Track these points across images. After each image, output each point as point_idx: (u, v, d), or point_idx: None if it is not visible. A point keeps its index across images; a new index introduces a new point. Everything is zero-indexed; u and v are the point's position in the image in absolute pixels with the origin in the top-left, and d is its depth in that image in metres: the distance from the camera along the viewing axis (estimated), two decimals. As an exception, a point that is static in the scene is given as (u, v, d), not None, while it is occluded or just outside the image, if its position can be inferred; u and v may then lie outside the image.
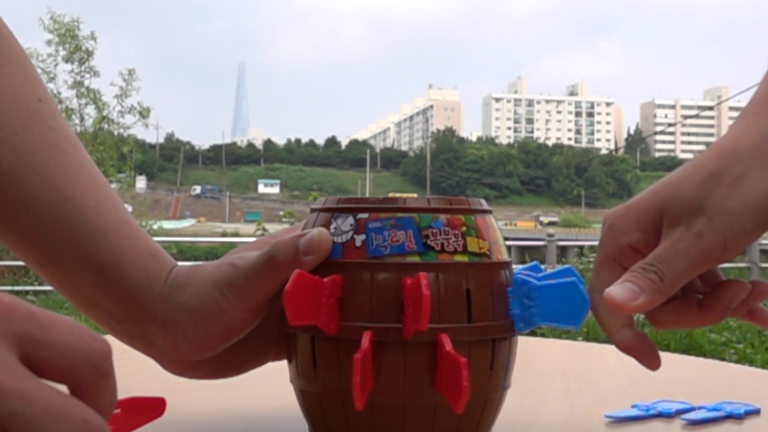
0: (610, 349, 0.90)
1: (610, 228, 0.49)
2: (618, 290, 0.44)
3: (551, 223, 73.73)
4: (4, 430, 0.26)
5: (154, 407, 0.44)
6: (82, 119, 11.75)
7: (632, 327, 0.49)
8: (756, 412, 0.59)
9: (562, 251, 10.66)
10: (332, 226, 0.48)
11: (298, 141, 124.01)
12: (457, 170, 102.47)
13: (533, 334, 0.83)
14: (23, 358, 0.28)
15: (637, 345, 0.48)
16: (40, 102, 0.53)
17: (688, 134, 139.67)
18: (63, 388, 0.29)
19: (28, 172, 0.50)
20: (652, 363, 0.49)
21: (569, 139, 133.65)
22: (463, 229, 0.47)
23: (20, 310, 0.28)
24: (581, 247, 7.36)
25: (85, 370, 0.29)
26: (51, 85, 11.43)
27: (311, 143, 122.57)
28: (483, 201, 0.50)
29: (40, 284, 7.40)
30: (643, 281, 0.44)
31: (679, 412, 0.58)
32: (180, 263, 0.53)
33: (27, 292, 7.31)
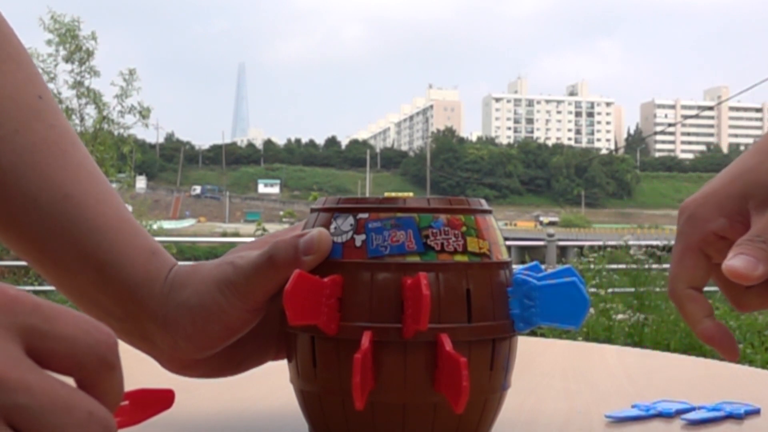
0: (610, 349, 0.91)
1: (691, 217, 0.50)
2: (738, 262, 0.45)
3: (551, 223, 73.73)
4: (9, 423, 0.26)
5: (162, 399, 0.43)
6: (82, 119, 11.75)
7: (714, 317, 0.49)
8: (756, 412, 0.59)
9: (562, 251, 10.65)
10: (332, 226, 0.48)
11: (298, 141, 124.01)
12: (457, 170, 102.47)
13: (533, 334, 0.83)
14: (29, 350, 0.28)
15: (718, 335, 0.49)
16: (41, 99, 0.53)
17: (688, 134, 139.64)
18: (69, 381, 0.29)
19: (28, 169, 0.50)
20: (732, 353, 0.49)
21: (569, 139, 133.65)
22: (463, 229, 0.47)
23: (26, 302, 0.28)
24: (581, 247, 7.35)
25: (91, 362, 0.29)
26: (51, 85, 11.42)
27: (311, 143, 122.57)
28: (483, 201, 0.50)
29: (40, 284, 7.39)
30: (757, 252, 0.45)
31: (679, 412, 0.57)
32: (180, 263, 0.53)
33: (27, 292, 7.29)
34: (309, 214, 0.51)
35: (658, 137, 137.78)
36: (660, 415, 0.57)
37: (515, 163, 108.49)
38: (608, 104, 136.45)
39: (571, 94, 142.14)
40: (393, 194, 0.49)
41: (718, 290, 0.51)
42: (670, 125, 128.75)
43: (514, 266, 0.51)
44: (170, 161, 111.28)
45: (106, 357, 0.29)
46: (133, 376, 0.66)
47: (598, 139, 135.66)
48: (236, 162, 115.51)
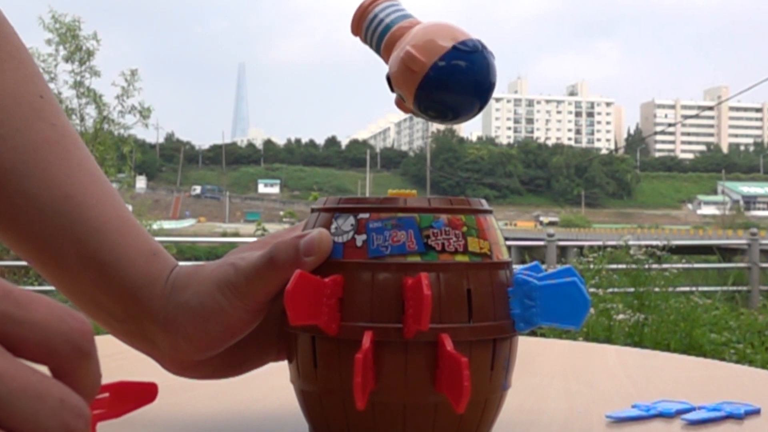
0: (611, 349, 0.91)
1: None
2: None
3: (551, 223, 73.70)
4: None
5: (145, 392, 0.43)
6: (82, 119, 11.75)
7: None
8: (756, 412, 0.59)
9: (562, 251, 10.66)
10: (333, 226, 0.48)
11: (298, 141, 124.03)
12: (457, 170, 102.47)
13: (533, 334, 0.83)
14: None
15: None
16: (42, 98, 0.53)
17: (688, 134, 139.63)
18: (45, 370, 0.28)
19: (29, 169, 0.50)
20: None
21: (569, 139, 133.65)
22: (464, 229, 0.47)
23: None
24: (581, 247, 7.36)
25: (65, 350, 0.28)
26: (51, 85, 11.39)
27: (311, 143, 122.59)
28: (483, 201, 0.50)
29: (40, 284, 7.39)
30: None
31: (679, 412, 0.57)
32: (180, 263, 0.53)
33: (27, 292, 7.28)
34: (309, 214, 0.51)
35: (658, 137, 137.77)
36: (660, 415, 0.57)
37: (515, 163, 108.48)
38: (608, 104, 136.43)
39: (571, 94, 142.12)
40: (397, 191, 0.49)
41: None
42: (670, 125, 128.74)
43: (515, 266, 0.51)
44: (170, 161, 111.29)
45: (80, 345, 0.28)
46: (133, 377, 0.66)
47: (598, 139, 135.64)
48: (236, 162, 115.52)
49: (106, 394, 0.39)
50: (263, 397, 0.62)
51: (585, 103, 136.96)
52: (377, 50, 0.55)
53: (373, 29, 0.55)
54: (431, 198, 0.48)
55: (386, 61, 0.54)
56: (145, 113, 11.62)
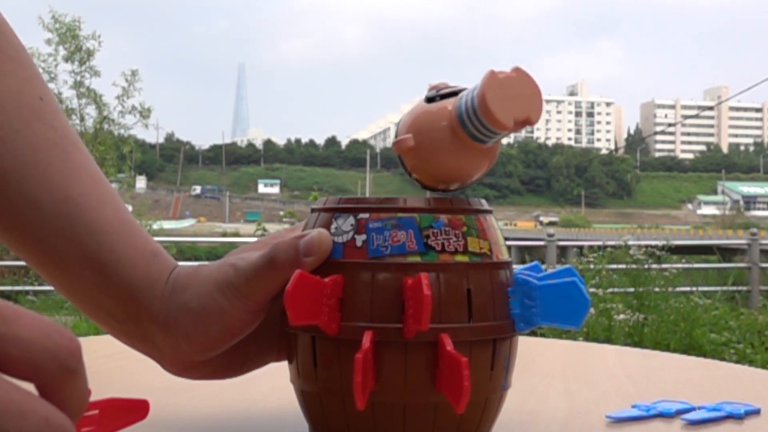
0: (611, 349, 0.91)
1: None
2: None
3: (551, 223, 73.73)
4: None
5: (136, 409, 0.42)
6: (82, 119, 11.76)
7: None
8: (756, 412, 0.59)
9: (562, 251, 10.66)
10: (333, 226, 0.48)
11: (298, 141, 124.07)
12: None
13: (533, 334, 0.83)
14: None
15: None
16: (42, 100, 0.53)
17: (688, 134, 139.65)
18: (31, 387, 0.28)
19: (29, 170, 0.50)
20: None
21: (569, 139, 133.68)
22: (464, 229, 0.47)
23: None
24: (581, 247, 7.37)
25: (51, 368, 0.27)
26: (51, 85, 11.41)
27: (311, 143, 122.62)
28: (483, 201, 0.50)
29: (40, 284, 7.39)
30: None
31: (680, 412, 0.57)
32: (180, 263, 0.53)
33: (27, 292, 7.30)
34: (309, 214, 0.51)
35: (658, 137, 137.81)
36: (660, 415, 0.57)
37: (515, 163, 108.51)
38: (608, 104, 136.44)
39: (571, 94, 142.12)
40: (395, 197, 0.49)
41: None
42: (670, 125, 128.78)
43: (515, 266, 0.51)
44: (170, 161, 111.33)
45: (66, 362, 0.28)
46: (133, 377, 0.67)
47: (598, 139, 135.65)
48: (236, 162, 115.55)
49: (95, 411, 0.38)
50: (263, 397, 0.62)
51: (585, 103, 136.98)
52: (467, 108, 0.46)
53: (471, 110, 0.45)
54: (431, 198, 0.48)
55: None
56: (145, 113, 11.63)
